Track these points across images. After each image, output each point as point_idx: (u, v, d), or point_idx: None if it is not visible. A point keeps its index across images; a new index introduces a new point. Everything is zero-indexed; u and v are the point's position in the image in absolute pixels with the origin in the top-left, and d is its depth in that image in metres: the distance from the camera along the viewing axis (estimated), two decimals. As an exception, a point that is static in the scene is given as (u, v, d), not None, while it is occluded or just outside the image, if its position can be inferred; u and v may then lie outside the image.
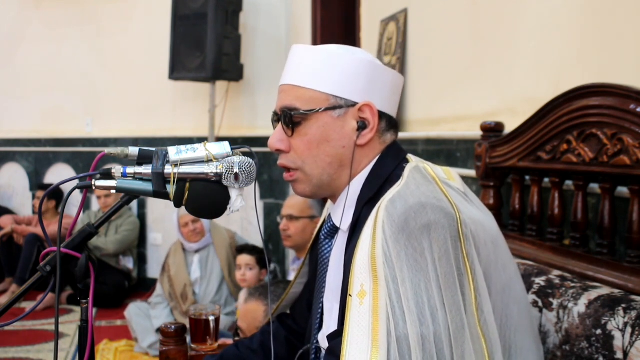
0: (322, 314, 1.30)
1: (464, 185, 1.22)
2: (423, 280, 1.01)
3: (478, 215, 1.13)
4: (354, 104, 1.19)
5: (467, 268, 1.05)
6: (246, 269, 3.58)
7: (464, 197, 1.15)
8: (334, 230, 1.28)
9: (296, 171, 1.23)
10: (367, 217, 1.10)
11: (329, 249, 1.29)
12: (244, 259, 3.62)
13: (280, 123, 1.23)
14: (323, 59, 1.19)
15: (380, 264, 1.02)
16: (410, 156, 1.24)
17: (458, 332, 1.01)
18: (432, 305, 1.00)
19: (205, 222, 4.14)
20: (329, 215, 1.30)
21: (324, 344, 1.27)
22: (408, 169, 1.15)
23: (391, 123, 1.24)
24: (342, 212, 1.23)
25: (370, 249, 1.04)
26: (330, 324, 1.25)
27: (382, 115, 1.22)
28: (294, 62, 1.24)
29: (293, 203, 3.16)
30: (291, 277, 3.06)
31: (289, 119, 1.20)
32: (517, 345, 1.16)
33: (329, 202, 1.32)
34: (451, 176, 1.21)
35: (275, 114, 1.24)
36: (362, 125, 1.20)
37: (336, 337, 1.15)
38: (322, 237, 1.31)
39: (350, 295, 1.05)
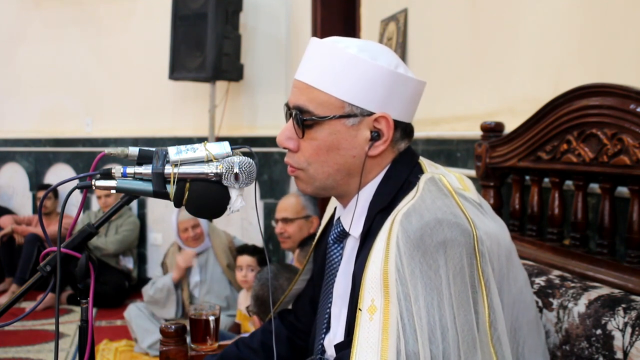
0: (329, 318, 1.29)
1: (479, 195, 1.19)
2: (436, 299, 0.99)
3: (493, 229, 1.10)
4: (370, 114, 1.14)
5: (482, 285, 1.03)
6: (247, 270, 3.57)
7: (479, 209, 1.12)
8: (344, 234, 1.26)
9: (300, 170, 1.20)
10: (380, 226, 1.08)
11: (338, 255, 1.27)
12: (245, 259, 3.61)
13: (291, 120, 1.18)
14: (343, 63, 1.12)
15: (393, 280, 1.00)
16: (422, 160, 1.22)
17: (469, 351, 1.00)
18: (443, 324, 0.99)
19: (204, 226, 4.11)
20: (338, 219, 1.27)
21: (329, 348, 1.27)
22: (423, 179, 1.11)
23: (406, 131, 1.20)
24: (352, 219, 1.20)
25: (382, 264, 1.02)
26: (337, 330, 1.25)
27: (397, 124, 1.16)
28: (311, 58, 1.17)
29: (286, 206, 3.22)
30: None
31: (301, 121, 1.15)
32: (525, 357, 1.15)
33: (337, 203, 1.30)
34: (466, 186, 1.17)
35: (287, 107, 1.20)
36: (375, 136, 1.15)
37: (344, 348, 1.14)
38: (331, 242, 1.28)
39: (360, 309, 1.04)
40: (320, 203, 3.49)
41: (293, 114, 1.17)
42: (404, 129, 1.19)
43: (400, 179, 1.17)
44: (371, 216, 1.17)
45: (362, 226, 1.19)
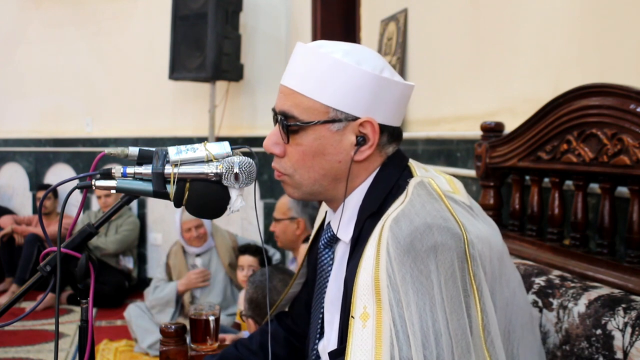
0: (322, 323, 1.29)
1: (469, 197, 1.18)
2: (428, 304, 0.99)
3: (484, 232, 1.10)
4: (355, 119, 1.13)
5: (474, 289, 1.03)
6: (249, 270, 3.58)
7: (469, 212, 1.12)
8: (334, 239, 1.25)
9: (286, 176, 1.20)
10: (371, 231, 1.07)
11: (329, 260, 1.27)
12: (247, 259, 3.61)
13: (277, 125, 1.19)
14: (327, 68, 1.12)
15: (384, 287, 1.00)
16: (412, 163, 1.21)
17: (463, 355, 1.00)
18: (436, 329, 0.99)
19: (207, 227, 4.12)
20: (328, 224, 1.27)
21: (323, 354, 1.27)
22: (412, 184, 1.11)
23: (393, 135, 1.19)
24: (342, 224, 1.20)
25: (373, 270, 1.02)
26: (330, 336, 1.24)
27: (384, 128, 1.16)
28: (297, 62, 1.17)
29: (278, 205, 3.30)
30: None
31: (285, 126, 1.16)
32: (519, 359, 1.15)
33: (328, 208, 1.29)
34: (456, 188, 1.17)
35: (274, 112, 1.20)
36: (361, 141, 1.14)
37: (338, 356, 1.14)
38: (322, 247, 1.28)
39: (352, 316, 1.04)
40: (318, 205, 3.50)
41: (279, 120, 1.17)
42: (390, 133, 1.18)
43: (389, 184, 1.17)
44: (361, 221, 1.17)
45: (352, 231, 1.18)
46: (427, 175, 1.16)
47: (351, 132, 1.15)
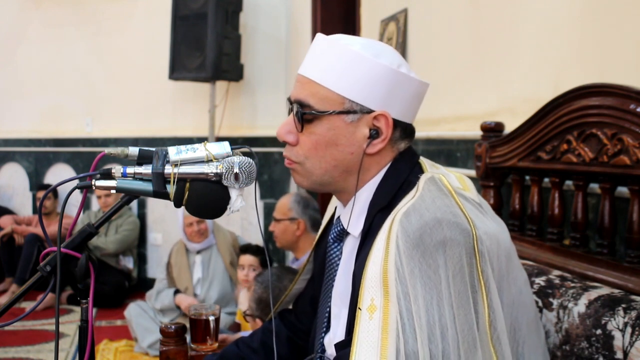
0: (329, 317, 1.29)
1: (479, 195, 1.19)
2: (435, 298, 1.00)
3: (493, 229, 1.11)
4: (369, 111, 1.15)
5: (482, 285, 1.04)
6: (249, 270, 3.58)
7: (478, 209, 1.12)
8: (343, 233, 1.26)
9: (297, 164, 1.21)
10: (380, 225, 1.08)
11: (337, 254, 1.27)
12: (248, 259, 3.61)
13: (292, 113, 1.20)
14: (345, 59, 1.14)
15: (392, 279, 1.00)
16: (422, 160, 1.22)
17: (469, 351, 1.00)
18: (442, 323, 0.99)
19: (208, 223, 4.14)
20: (338, 218, 1.28)
21: (329, 348, 1.27)
22: (423, 179, 1.12)
23: (406, 131, 1.20)
24: (350, 217, 1.21)
25: (382, 263, 1.02)
26: (337, 330, 1.25)
27: (397, 124, 1.17)
28: (316, 53, 1.18)
29: (278, 205, 3.30)
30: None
31: (300, 115, 1.17)
32: (524, 357, 1.15)
33: (338, 203, 1.30)
34: (466, 185, 1.17)
35: (289, 101, 1.21)
36: (374, 134, 1.16)
37: (344, 347, 1.14)
38: (331, 241, 1.29)
39: (359, 308, 1.04)
40: (320, 201, 3.50)
41: (294, 108, 1.18)
42: (404, 129, 1.19)
43: (400, 179, 1.18)
44: (371, 215, 1.18)
45: (362, 225, 1.19)
46: (437, 172, 1.17)
47: (365, 124, 1.16)
